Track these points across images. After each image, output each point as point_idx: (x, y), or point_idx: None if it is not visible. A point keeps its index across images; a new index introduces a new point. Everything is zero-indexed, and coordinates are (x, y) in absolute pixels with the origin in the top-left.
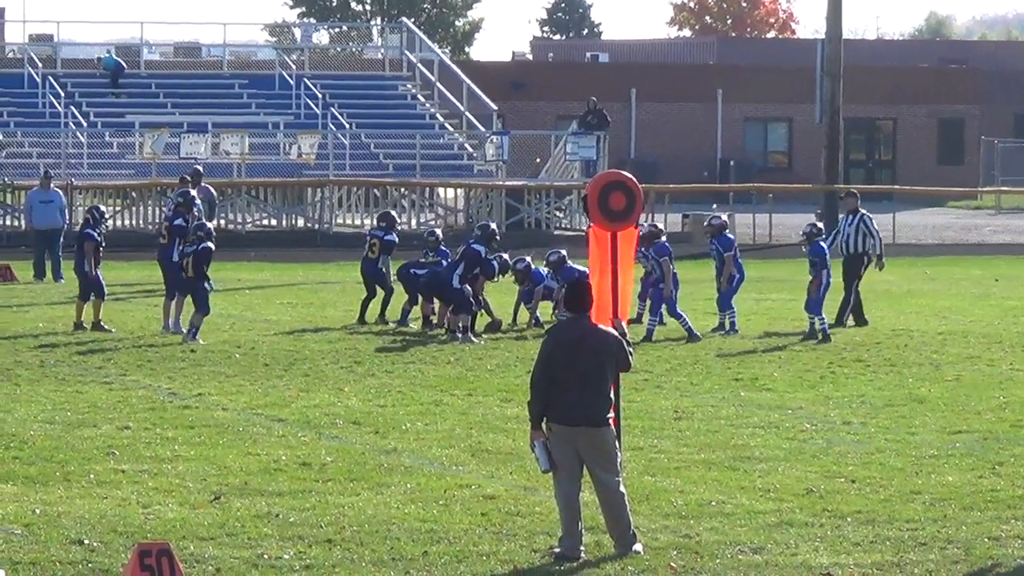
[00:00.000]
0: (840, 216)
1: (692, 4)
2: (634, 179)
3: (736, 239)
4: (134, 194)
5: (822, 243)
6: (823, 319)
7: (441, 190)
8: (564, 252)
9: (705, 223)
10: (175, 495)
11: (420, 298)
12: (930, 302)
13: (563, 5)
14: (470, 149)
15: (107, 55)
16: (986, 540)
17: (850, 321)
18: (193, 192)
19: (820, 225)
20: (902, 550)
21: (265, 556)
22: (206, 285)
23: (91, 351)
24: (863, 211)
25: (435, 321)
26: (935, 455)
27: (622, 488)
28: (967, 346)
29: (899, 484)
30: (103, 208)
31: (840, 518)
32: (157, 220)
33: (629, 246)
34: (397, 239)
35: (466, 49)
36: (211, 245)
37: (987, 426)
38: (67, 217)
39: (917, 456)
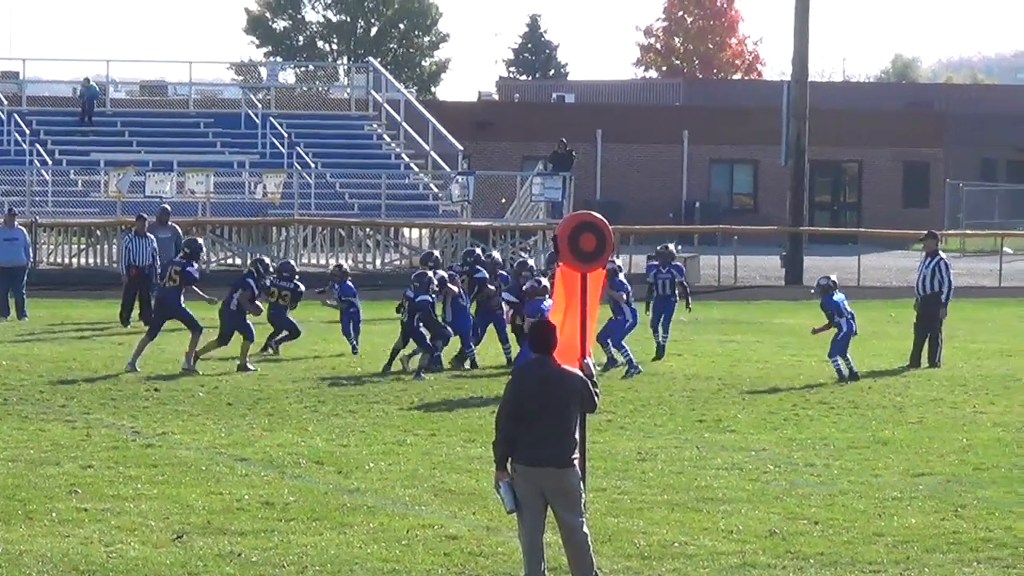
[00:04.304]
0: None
1: (658, 45)
2: (604, 220)
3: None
4: (99, 232)
5: (835, 296)
6: (848, 360)
7: (406, 230)
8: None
9: (659, 251)
10: (137, 534)
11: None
12: (894, 344)
13: (529, 45)
14: (435, 189)
15: (87, 82)
16: None
17: (930, 360)
18: (151, 234)
19: (834, 278)
20: None
21: None
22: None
23: (54, 389)
24: (942, 255)
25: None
26: (898, 497)
27: (586, 529)
28: (931, 388)
29: (862, 526)
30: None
31: (803, 560)
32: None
33: (597, 286)
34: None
35: (432, 89)
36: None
37: (950, 469)
38: (31, 255)
39: (880, 498)
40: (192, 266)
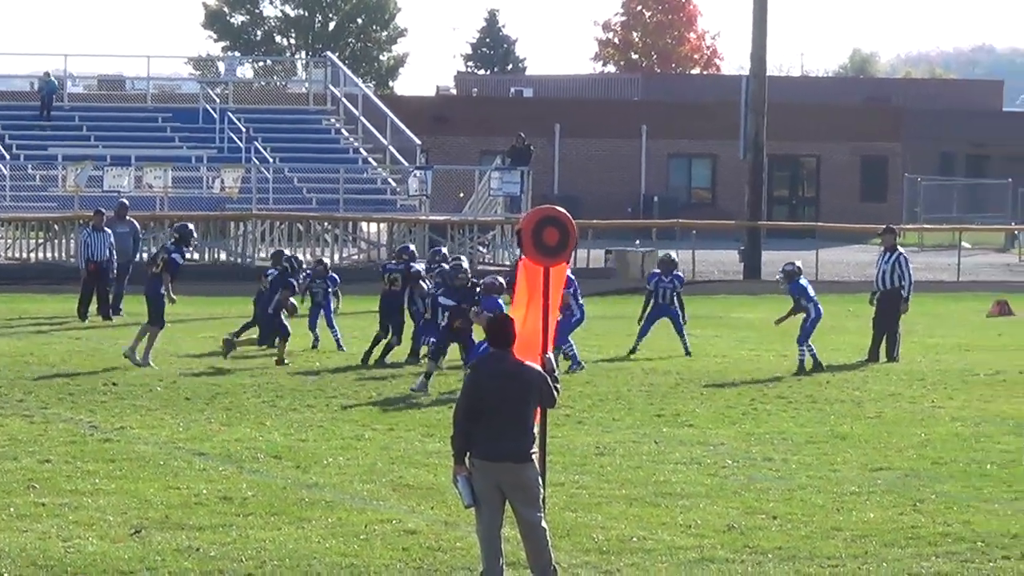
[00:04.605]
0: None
1: (617, 40)
2: (568, 215)
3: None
4: (56, 227)
5: (801, 281)
6: (812, 349)
7: (364, 224)
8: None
9: (662, 259)
10: (95, 529)
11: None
12: (852, 339)
13: (488, 40)
14: (393, 183)
15: (47, 77)
16: None
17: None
18: (109, 228)
19: (798, 263)
20: None
21: None
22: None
23: (11, 384)
24: (901, 250)
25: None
26: (856, 492)
27: (544, 524)
28: (889, 383)
29: (820, 521)
30: (299, 259)
31: (761, 554)
32: (76, 253)
33: (560, 281)
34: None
35: (390, 84)
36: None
37: (908, 463)
38: None
39: (838, 493)
40: (179, 252)
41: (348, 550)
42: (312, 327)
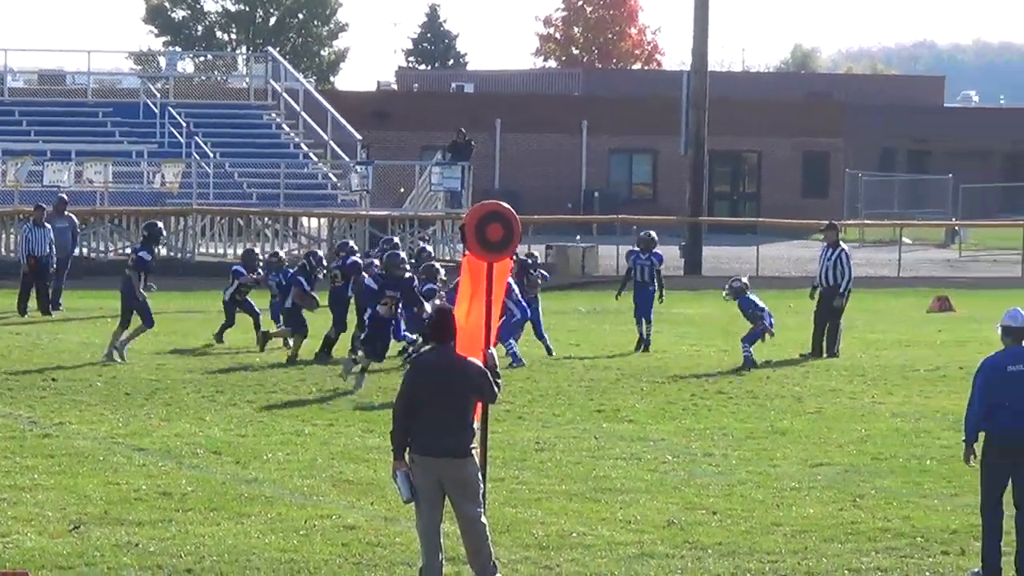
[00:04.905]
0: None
1: (558, 35)
2: (512, 210)
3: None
4: None
5: (750, 296)
6: (749, 350)
7: (305, 219)
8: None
9: (641, 237)
10: (34, 524)
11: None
12: (792, 335)
13: (428, 35)
14: (334, 179)
15: None
16: (846, 572)
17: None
18: (49, 223)
19: (745, 280)
20: None
21: None
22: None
23: None
24: (843, 246)
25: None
26: (796, 487)
27: (484, 519)
28: (829, 378)
29: (760, 516)
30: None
31: (701, 550)
32: (15, 248)
33: (503, 276)
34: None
35: (331, 79)
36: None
37: (848, 459)
38: None
39: (778, 488)
40: (147, 251)
41: (288, 545)
42: (275, 319)
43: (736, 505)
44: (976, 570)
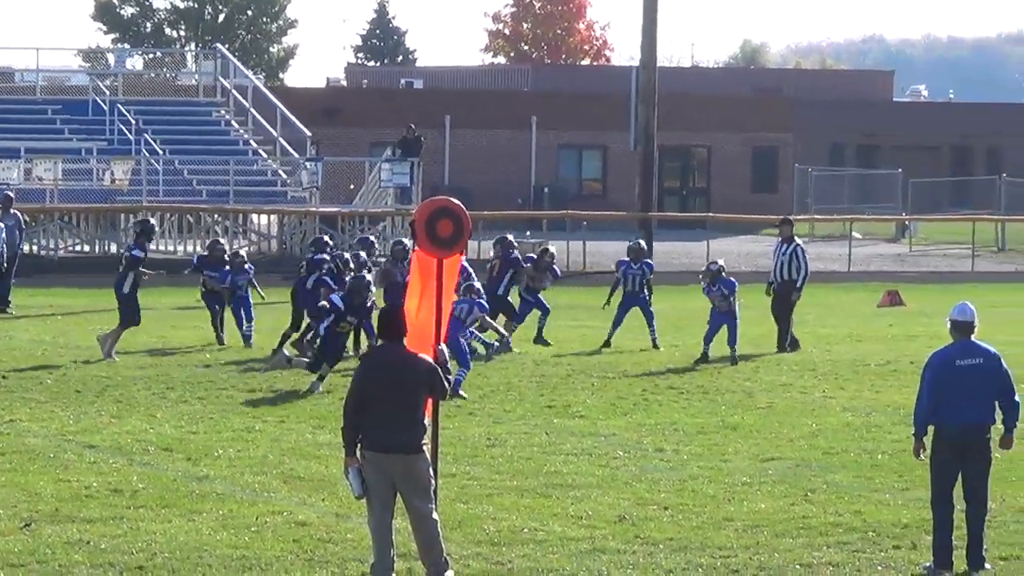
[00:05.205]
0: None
1: (506, 31)
2: (462, 207)
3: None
4: None
5: (728, 277)
6: (708, 344)
7: (255, 216)
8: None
9: (631, 246)
10: None
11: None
12: (743, 329)
13: (377, 32)
14: (284, 175)
15: None
16: (798, 567)
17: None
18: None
19: (721, 262)
20: None
21: None
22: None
23: None
24: (798, 241)
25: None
26: (747, 482)
27: (435, 515)
28: (780, 373)
29: (711, 511)
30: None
31: (652, 545)
32: None
33: (453, 273)
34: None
35: (280, 75)
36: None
37: (799, 453)
38: None
39: (729, 483)
40: (138, 247)
41: (239, 542)
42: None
43: (687, 500)
44: (928, 564)
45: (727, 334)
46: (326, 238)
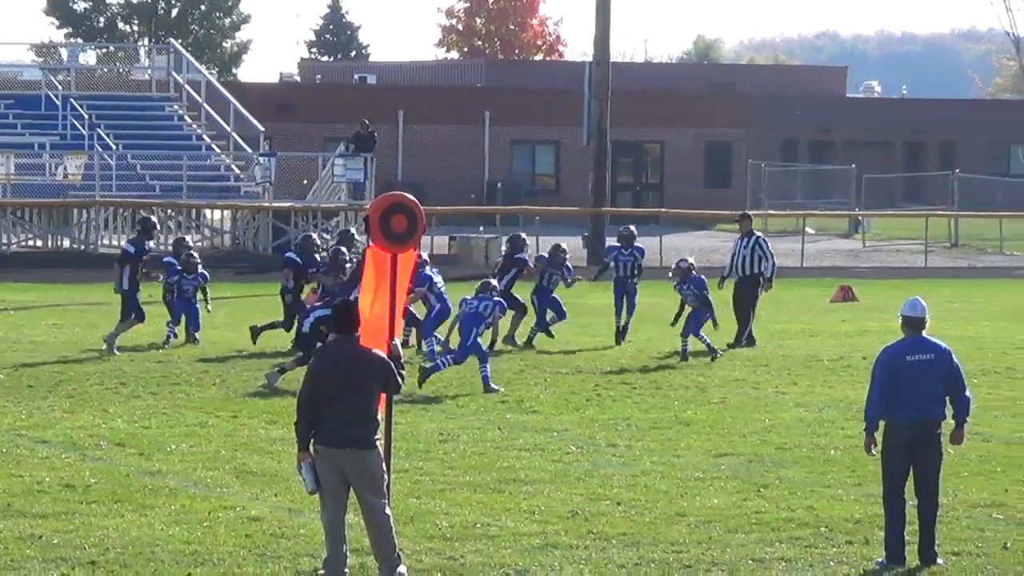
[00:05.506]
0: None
1: (460, 26)
2: (417, 202)
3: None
4: None
5: (699, 276)
6: (687, 343)
7: (208, 212)
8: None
9: (621, 233)
10: None
11: None
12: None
13: (331, 27)
14: (237, 171)
15: None
16: (751, 562)
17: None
18: None
19: (691, 260)
20: (667, 572)
21: None
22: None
23: None
24: (758, 233)
25: None
26: (700, 478)
27: (388, 511)
28: (733, 369)
29: (664, 506)
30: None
31: (605, 540)
32: None
33: (407, 268)
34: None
35: (234, 70)
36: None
37: (752, 449)
38: None
39: (682, 478)
40: (129, 244)
41: (192, 537)
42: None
43: (640, 495)
44: (880, 559)
45: (687, 323)
46: (312, 235)
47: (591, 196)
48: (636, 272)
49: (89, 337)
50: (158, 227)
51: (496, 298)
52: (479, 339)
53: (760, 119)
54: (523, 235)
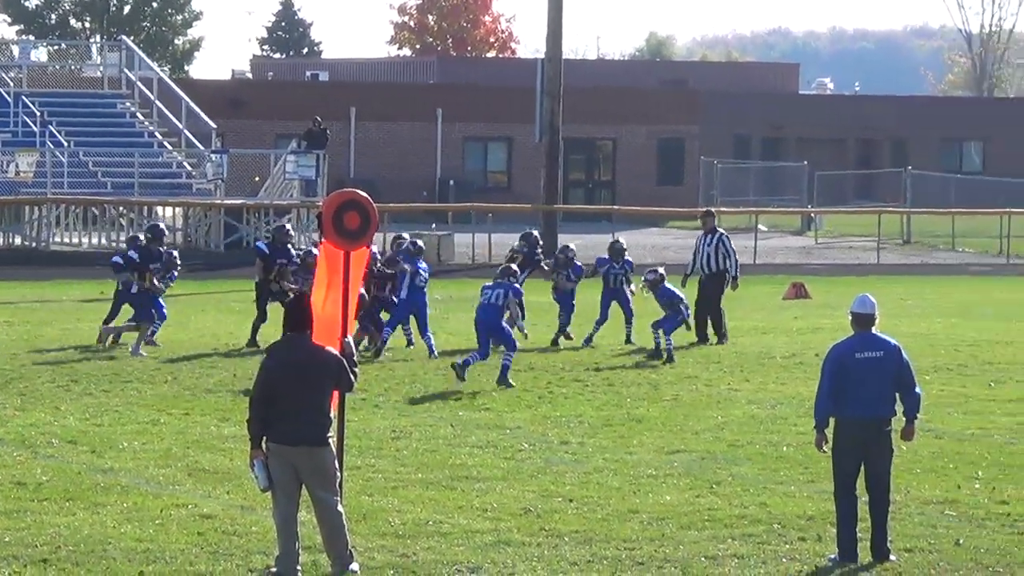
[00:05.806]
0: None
1: (412, 23)
2: (370, 199)
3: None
4: None
5: (668, 287)
6: (670, 343)
7: (160, 208)
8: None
9: (612, 246)
10: None
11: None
12: (648, 322)
13: (283, 24)
14: (189, 167)
15: None
16: (703, 559)
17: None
18: None
19: (662, 270)
20: (619, 569)
21: None
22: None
23: None
24: (721, 230)
25: None
26: (653, 474)
27: (340, 508)
28: (685, 366)
29: (617, 503)
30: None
31: (558, 537)
32: None
33: (360, 265)
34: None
35: (185, 67)
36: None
37: (704, 446)
38: None
39: (635, 475)
40: (132, 248)
41: (144, 535)
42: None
43: (593, 492)
44: (833, 556)
45: (662, 320)
46: (286, 226)
47: (543, 193)
48: (627, 283)
49: (40, 335)
50: (167, 233)
51: (511, 283)
52: (511, 329)
53: (712, 116)
54: (535, 232)
